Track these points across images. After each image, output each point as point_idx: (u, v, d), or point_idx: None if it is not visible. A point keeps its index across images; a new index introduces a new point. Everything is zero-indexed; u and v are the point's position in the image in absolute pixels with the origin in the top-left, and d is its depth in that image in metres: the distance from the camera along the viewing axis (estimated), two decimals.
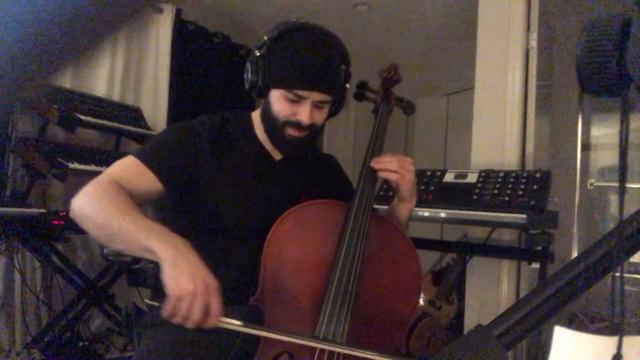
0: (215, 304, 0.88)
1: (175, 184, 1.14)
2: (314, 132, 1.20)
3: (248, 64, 1.17)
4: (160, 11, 3.28)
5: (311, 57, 1.13)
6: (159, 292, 0.98)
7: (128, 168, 1.10)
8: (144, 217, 0.97)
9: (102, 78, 2.98)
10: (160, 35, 3.29)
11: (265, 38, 1.15)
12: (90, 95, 2.76)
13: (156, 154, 1.13)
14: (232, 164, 1.22)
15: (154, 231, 0.93)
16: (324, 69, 1.14)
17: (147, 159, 1.11)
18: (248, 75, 1.17)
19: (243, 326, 0.92)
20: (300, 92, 1.12)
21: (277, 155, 1.28)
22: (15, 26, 0.25)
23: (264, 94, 1.17)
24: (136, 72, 3.21)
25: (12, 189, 2.44)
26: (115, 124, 2.70)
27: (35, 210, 2.21)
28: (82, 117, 2.48)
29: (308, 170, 1.30)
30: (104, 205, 0.97)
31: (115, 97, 3.03)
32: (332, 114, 1.24)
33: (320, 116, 1.19)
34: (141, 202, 1.09)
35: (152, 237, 0.91)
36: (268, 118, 1.19)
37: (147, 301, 1.01)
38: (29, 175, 2.42)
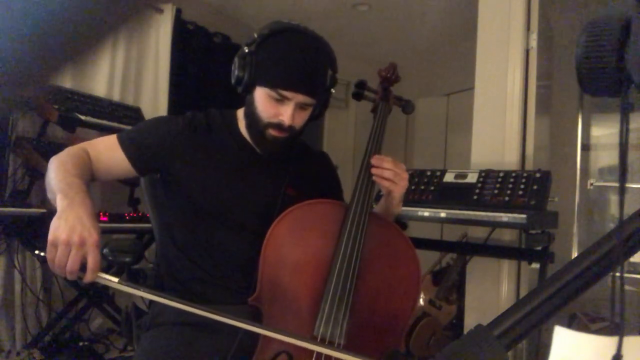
0: (92, 259, 0.90)
1: (144, 166, 1.24)
2: (294, 133, 1.20)
3: (236, 59, 1.18)
4: (161, 11, 3.28)
5: (299, 59, 1.14)
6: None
7: (105, 144, 1.23)
8: (75, 178, 1.04)
9: (102, 78, 2.97)
10: (160, 35, 3.29)
11: (256, 35, 1.16)
12: (90, 95, 2.75)
13: (130, 137, 1.23)
14: (212, 157, 1.23)
15: (67, 187, 1.00)
16: (310, 72, 1.15)
17: (122, 140, 1.22)
18: (235, 70, 1.17)
19: (121, 283, 0.91)
20: (284, 93, 1.13)
21: None
22: (17, 27, 0.25)
23: (249, 90, 1.18)
24: (136, 72, 3.20)
25: (12, 189, 2.44)
26: (115, 124, 2.69)
27: (35, 210, 2.21)
28: (82, 117, 2.48)
29: (295, 163, 1.30)
30: (57, 161, 1.10)
31: (115, 97, 3.03)
32: (314, 117, 1.25)
33: (301, 118, 1.20)
34: (111, 175, 1.24)
35: (62, 191, 0.98)
36: (251, 115, 1.20)
37: (36, 252, 1.08)
38: (29, 175, 2.42)
